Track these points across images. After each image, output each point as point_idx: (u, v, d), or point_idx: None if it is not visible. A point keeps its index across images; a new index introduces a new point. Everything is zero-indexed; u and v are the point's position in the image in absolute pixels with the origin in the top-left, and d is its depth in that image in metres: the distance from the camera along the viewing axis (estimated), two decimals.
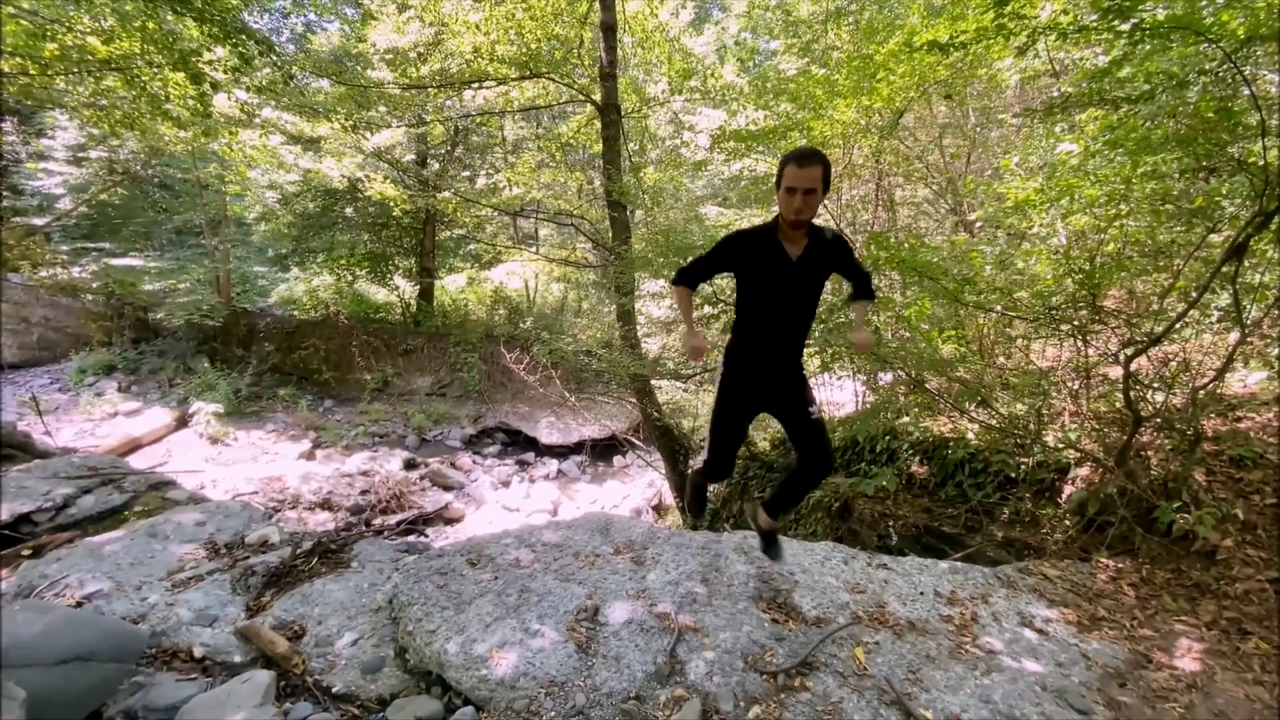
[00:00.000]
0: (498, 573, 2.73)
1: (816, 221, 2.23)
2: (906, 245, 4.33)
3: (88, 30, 6.85)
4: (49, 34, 6.53)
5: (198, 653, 2.37)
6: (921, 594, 2.78)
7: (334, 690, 2.25)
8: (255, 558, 3.06)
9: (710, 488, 2.59)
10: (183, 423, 11.08)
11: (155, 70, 6.99)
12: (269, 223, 13.35)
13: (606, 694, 2.11)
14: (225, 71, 7.05)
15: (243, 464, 10.26)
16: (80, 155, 10.88)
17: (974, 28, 2.79)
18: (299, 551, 3.05)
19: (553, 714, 2.03)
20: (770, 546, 2.60)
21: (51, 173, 10.93)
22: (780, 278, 2.19)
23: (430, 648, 2.28)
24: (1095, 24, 2.38)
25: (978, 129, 8.13)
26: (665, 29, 9.89)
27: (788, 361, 2.33)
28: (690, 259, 2.37)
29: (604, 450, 12.04)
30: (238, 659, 2.35)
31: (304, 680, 2.27)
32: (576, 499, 10.58)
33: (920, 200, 8.81)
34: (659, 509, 10.02)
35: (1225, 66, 2.43)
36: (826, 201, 7.60)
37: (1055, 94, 6.16)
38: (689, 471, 2.57)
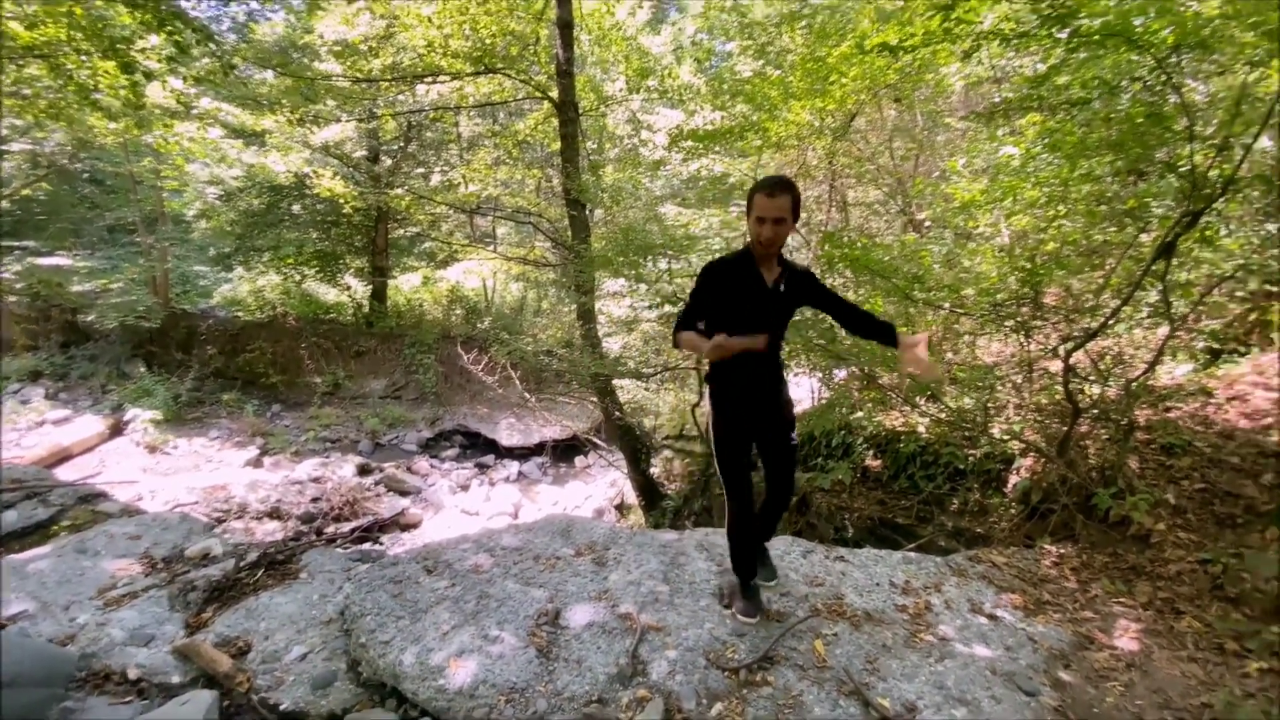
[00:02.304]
0: (455, 579, 2.66)
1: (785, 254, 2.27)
2: (859, 245, 4.43)
3: (9, 14, 6.41)
4: None
5: (132, 674, 2.23)
6: (877, 585, 2.84)
7: (282, 708, 2.15)
8: (196, 572, 2.91)
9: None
10: (117, 431, 10.50)
11: (84, 58, 6.59)
12: (210, 220, 12.76)
13: (568, 698, 2.08)
14: (160, 60, 6.71)
15: (184, 473, 9.78)
16: (1, 148, 10.19)
17: (921, 32, 2.87)
18: (243, 564, 2.91)
19: None
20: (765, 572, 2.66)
21: None
22: (762, 304, 2.22)
23: (384, 659, 2.21)
24: (1035, 31, 2.47)
25: (925, 132, 8.39)
26: (622, 28, 9.87)
27: (777, 386, 2.36)
28: (679, 314, 2.33)
29: (566, 451, 11.95)
30: (176, 680, 2.23)
31: (249, 699, 2.16)
32: (538, 501, 10.46)
33: (872, 202, 9.04)
34: (621, 508, 9.99)
35: (1155, 73, 2.55)
36: None
37: (997, 99, 6.40)
38: (728, 532, 2.49)
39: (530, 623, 2.40)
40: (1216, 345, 4.78)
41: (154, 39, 6.54)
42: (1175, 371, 4.61)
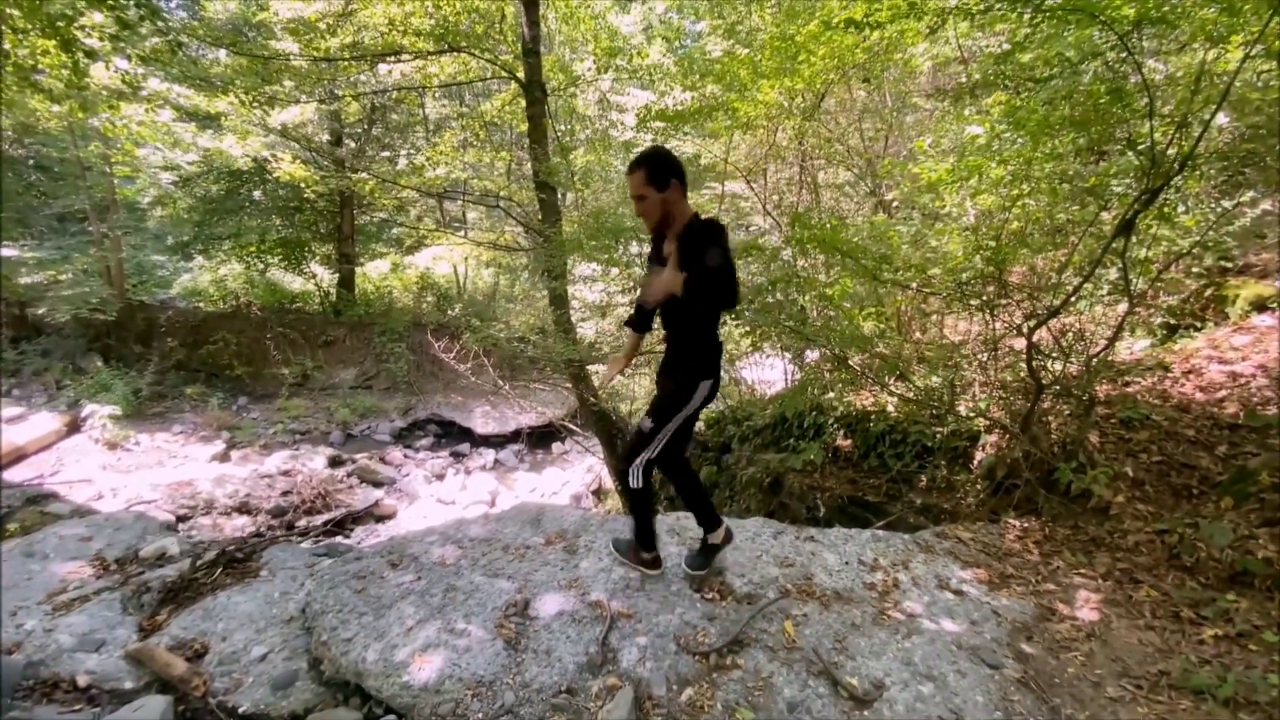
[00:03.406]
0: (421, 572, 2.61)
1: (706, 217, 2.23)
2: (828, 225, 4.42)
3: None
4: None
5: (82, 681, 2.14)
6: (847, 564, 2.86)
7: (241, 710, 2.09)
8: (150, 573, 2.81)
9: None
10: (74, 428, 10.14)
11: (20, 36, 6.22)
12: (166, 207, 12.29)
13: (537, 690, 2.05)
14: (103, 38, 6.37)
15: (146, 470, 9.50)
16: None
17: (888, 6, 2.83)
18: (200, 563, 2.82)
19: (480, 715, 1.96)
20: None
21: None
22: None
23: (347, 657, 2.16)
24: (999, 6, 2.45)
25: (894, 113, 8.40)
26: (590, 5, 9.67)
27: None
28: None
29: (542, 438, 11.88)
30: (129, 685, 2.15)
31: (206, 703, 2.09)
32: (515, 488, 10.41)
33: (842, 183, 9.05)
34: (599, 493, 9.99)
35: (1116, 49, 2.55)
36: (754, 184, 7.70)
37: (964, 79, 6.42)
38: (630, 481, 2.46)
39: (498, 614, 2.36)
40: (1173, 321, 4.90)
41: (98, 16, 6.21)
42: (1134, 346, 4.72)
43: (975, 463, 4.11)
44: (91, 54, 6.24)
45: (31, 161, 11.74)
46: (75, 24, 5.92)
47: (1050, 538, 3.10)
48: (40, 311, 11.12)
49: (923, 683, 2.14)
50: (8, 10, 6.07)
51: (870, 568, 2.84)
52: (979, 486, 3.93)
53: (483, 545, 2.87)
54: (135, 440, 10.21)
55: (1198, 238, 4.00)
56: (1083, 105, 2.75)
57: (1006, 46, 4.48)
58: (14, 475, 8.52)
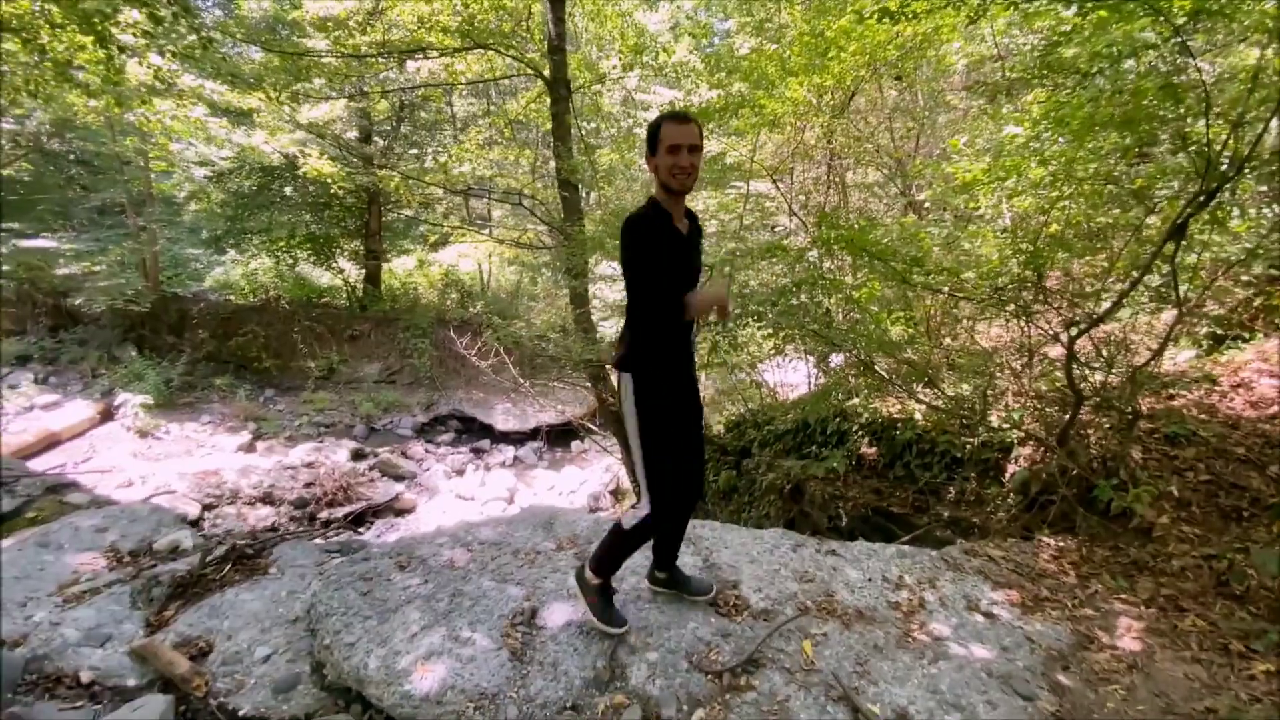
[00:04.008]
0: (428, 576, 2.55)
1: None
2: (857, 225, 4.28)
3: None
4: None
5: (85, 677, 2.13)
6: (870, 580, 2.73)
7: (241, 713, 2.05)
8: (162, 566, 2.81)
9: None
10: (108, 415, 10.39)
11: (58, 30, 6.35)
12: (200, 201, 12.54)
13: (541, 705, 1.98)
14: (137, 35, 6.48)
15: (175, 458, 9.69)
16: None
17: None
18: (211, 558, 2.80)
19: None
20: (685, 584, 2.48)
21: None
22: (684, 258, 2.02)
23: (349, 662, 2.11)
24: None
25: (926, 112, 8.18)
26: (617, 2, 9.60)
27: (693, 359, 2.16)
28: (648, 295, 1.97)
29: (561, 435, 11.85)
30: (132, 682, 2.13)
31: (207, 703, 2.06)
32: (534, 486, 10.39)
33: (871, 184, 8.85)
34: (617, 493, 9.93)
35: (1169, 43, 2.39)
36: (779, 183, 7.55)
37: (1000, 77, 6.20)
38: (632, 534, 2.16)
39: (505, 623, 2.29)
40: (1220, 331, 4.65)
41: (134, 14, 6.31)
42: (1178, 357, 4.48)
43: (1007, 476, 3.93)
44: (123, 49, 6.35)
45: (72, 155, 12.06)
46: (111, 20, 6.02)
47: (1088, 559, 2.94)
48: (78, 302, 11.44)
49: (950, 713, 2.02)
50: (46, 6, 6.20)
51: (895, 585, 2.71)
52: (1011, 501, 3.76)
53: (493, 549, 2.80)
54: (165, 429, 10.43)
55: (1250, 244, 3.77)
56: (1130, 103, 2.58)
57: (1045, 44, 4.29)
58: (47, 460, 8.78)
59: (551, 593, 2.49)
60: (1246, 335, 4.47)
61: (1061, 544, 3.08)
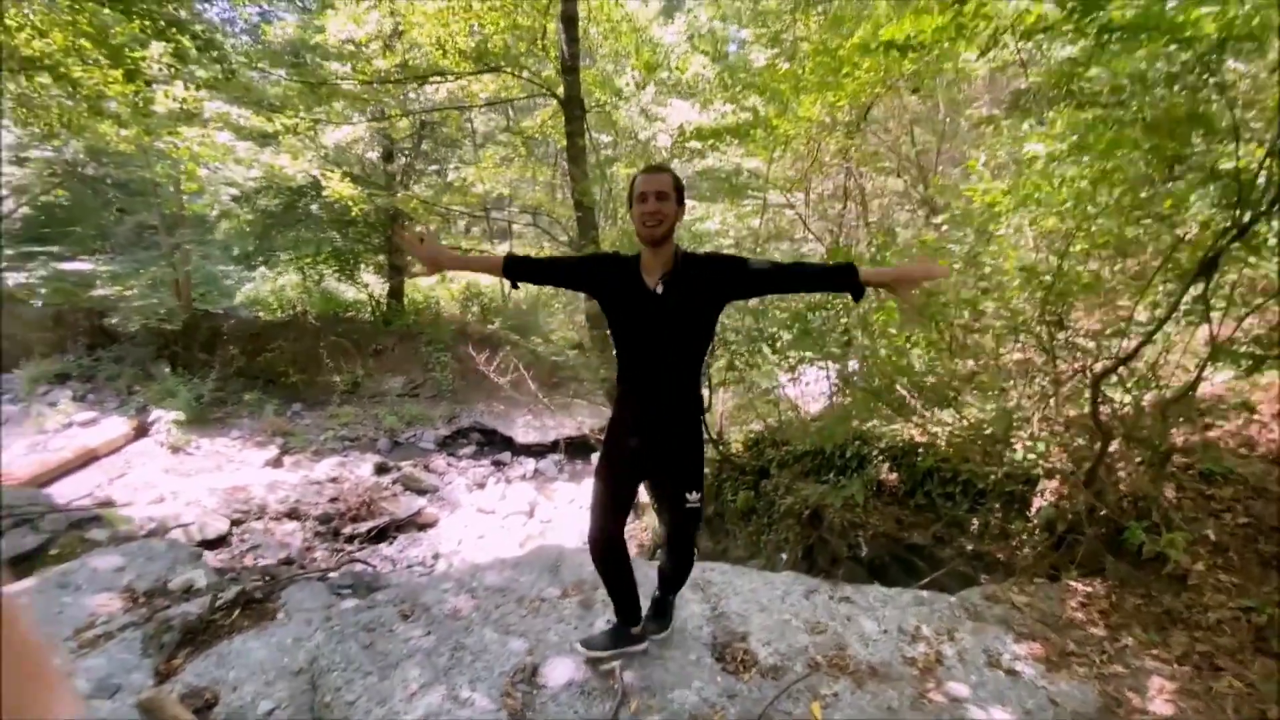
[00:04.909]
0: (431, 626, 2.53)
1: (696, 250, 2.06)
2: (875, 243, 4.18)
3: (14, 25, 6.42)
4: None
5: None
6: (885, 632, 2.64)
7: None
8: (175, 608, 2.84)
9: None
10: (142, 432, 10.68)
11: (90, 64, 6.58)
12: (229, 220, 12.88)
13: None
14: (164, 66, 6.68)
15: (206, 474, 9.91)
16: (21, 155, 10.35)
17: (931, 28, 2.61)
18: (220, 603, 2.83)
19: None
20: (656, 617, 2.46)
21: None
22: (639, 310, 1.96)
23: None
24: (1060, 23, 2.21)
25: (947, 120, 8.00)
26: (632, 19, 9.61)
27: (667, 420, 2.04)
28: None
29: (581, 448, 11.85)
30: None
31: None
32: (554, 499, 10.40)
33: (892, 194, 8.69)
34: (636, 508, 9.88)
35: (1195, 71, 2.27)
36: (794, 200, 7.45)
37: (1023, 85, 6.02)
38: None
39: (505, 680, 2.26)
40: (1259, 351, 4.43)
41: (157, 47, 6.52)
42: (1215, 378, 4.28)
43: (1033, 510, 3.78)
44: (150, 81, 6.55)
45: (109, 180, 12.47)
46: (137, 54, 6.22)
47: (1118, 607, 2.80)
48: (114, 321, 11.81)
49: None
50: (78, 42, 6.43)
51: (911, 638, 2.61)
52: (1037, 538, 3.61)
53: (497, 595, 2.78)
54: (196, 444, 10.67)
55: None
56: (1157, 123, 2.45)
57: (1071, 49, 4.14)
58: (83, 478, 9.05)
59: (554, 646, 2.45)
60: None
61: (1090, 589, 2.95)
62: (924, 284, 1.95)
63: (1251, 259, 3.18)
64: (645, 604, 2.38)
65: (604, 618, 2.62)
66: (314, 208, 13.02)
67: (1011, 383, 4.38)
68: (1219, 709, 2.24)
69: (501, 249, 12.22)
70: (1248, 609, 2.56)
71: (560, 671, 2.30)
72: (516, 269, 2.05)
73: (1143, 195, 3.24)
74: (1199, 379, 2.98)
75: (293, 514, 9.05)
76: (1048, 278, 3.03)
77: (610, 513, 2.15)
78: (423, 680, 2.23)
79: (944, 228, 4.57)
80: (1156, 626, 2.65)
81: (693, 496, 2.09)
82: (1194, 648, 2.50)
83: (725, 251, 2.12)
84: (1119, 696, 2.31)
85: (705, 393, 6.81)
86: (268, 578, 3.23)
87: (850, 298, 2.00)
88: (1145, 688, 2.35)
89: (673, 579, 2.36)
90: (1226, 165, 2.42)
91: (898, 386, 4.87)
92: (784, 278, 2.05)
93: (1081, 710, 2.24)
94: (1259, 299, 4.13)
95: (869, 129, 6.98)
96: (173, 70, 6.52)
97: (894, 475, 4.88)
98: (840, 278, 1.93)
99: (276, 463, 10.56)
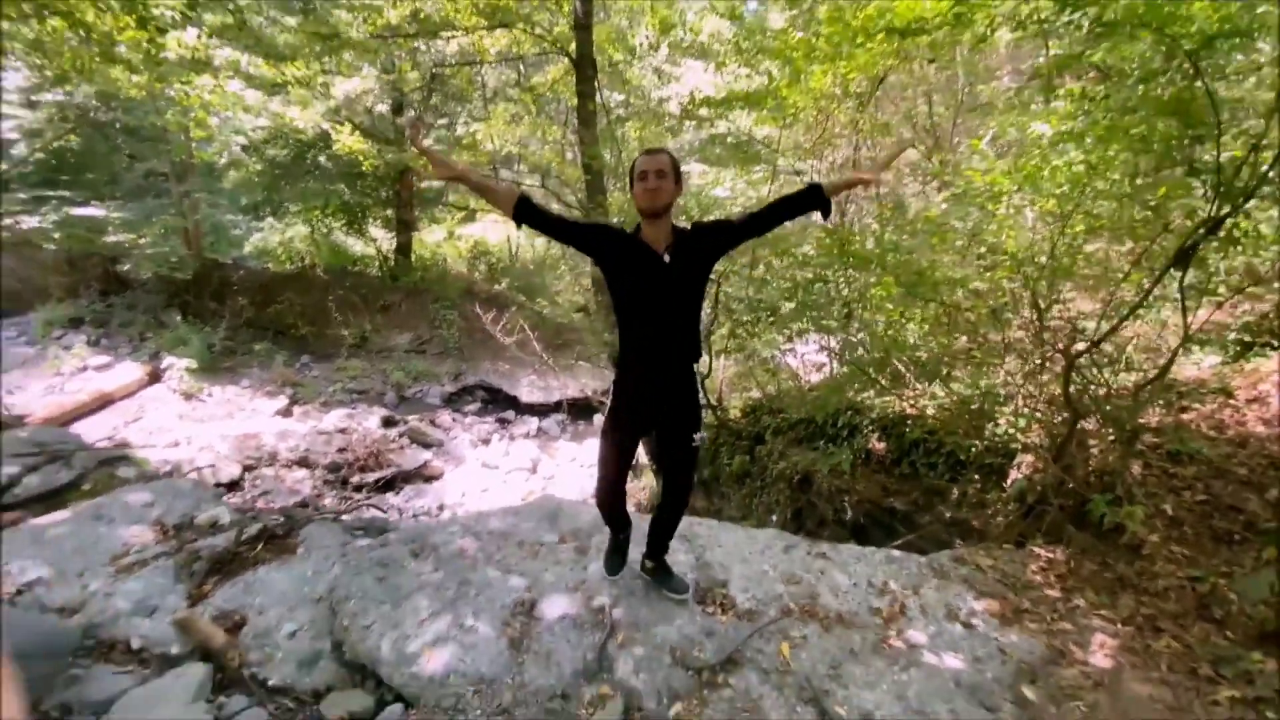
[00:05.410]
0: (439, 564, 2.76)
1: (680, 223, 2.22)
2: (886, 216, 4.22)
3: None
4: None
5: (135, 644, 2.40)
6: (855, 585, 2.86)
7: (270, 683, 2.30)
8: (202, 541, 3.08)
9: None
10: (155, 378, 10.94)
11: (102, 10, 6.58)
12: (238, 170, 12.89)
13: (533, 691, 2.17)
14: (177, 10, 6.68)
15: (217, 420, 10.19)
16: (33, 99, 10.35)
17: (933, 15, 2.66)
18: (244, 536, 3.06)
19: (478, 712, 2.09)
20: (664, 580, 2.68)
21: (4, 115, 10.40)
22: (652, 274, 2.14)
23: (365, 644, 2.33)
24: (1052, 18, 2.28)
25: (966, 90, 7.92)
26: None
27: (676, 372, 2.27)
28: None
29: (584, 409, 12.10)
30: (175, 650, 2.39)
31: (240, 674, 2.31)
32: (556, 457, 10.68)
33: (905, 164, 8.65)
34: (635, 469, 10.16)
35: (1183, 68, 2.34)
36: (804, 169, 7.45)
37: (1042, 58, 5.97)
38: (595, 498, 2.60)
39: (506, 612, 2.49)
40: (1248, 338, 4.54)
41: None
42: (1203, 362, 4.41)
43: (1009, 482, 3.98)
44: (162, 29, 6.55)
45: (119, 126, 12.44)
46: (150, 1, 6.21)
47: (1075, 572, 3.00)
48: (126, 268, 11.97)
49: (913, 719, 2.15)
50: None
51: (879, 591, 2.83)
52: (1011, 508, 3.82)
53: (500, 539, 3.00)
54: (208, 392, 10.94)
55: (1269, 253, 3.66)
56: (1145, 121, 2.54)
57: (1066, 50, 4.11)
58: (102, 419, 9.35)
59: (551, 585, 2.68)
60: (1275, 343, 4.37)
61: (1051, 556, 3.15)
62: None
63: (1232, 249, 3.29)
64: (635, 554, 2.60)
65: (595, 563, 2.84)
66: (323, 159, 13.00)
67: (1000, 360, 4.52)
68: (1154, 665, 2.46)
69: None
70: (1195, 578, 2.76)
71: (555, 607, 2.53)
72: (527, 212, 2.15)
73: (1138, 182, 3.33)
74: (1170, 363, 3.12)
75: (302, 462, 9.34)
76: (1042, 259, 3.14)
77: (619, 468, 2.44)
78: (432, 610, 2.47)
79: (944, 206, 4.64)
80: (1108, 590, 2.86)
81: (697, 437, 2.36)
82: (1139, 610, 2.71)
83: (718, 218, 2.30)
84: (1063, 649, 2.53)
85: (706, 358, 6.98)
86: (286, 517, 3.46)
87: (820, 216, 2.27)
88: (1089, 643, 2.56)
89: (670, 523, 2.57)
90: (1209, 158, 2.51)
91: (893, 360, 5.02)
92: (762, 218, 2.25)
93: (1027, 659, 2.46)
94: (1252, 286, 4.24)
95: (884, 97, 6.94)
96: (183, 15, 6.51)
97: (882, 445, 5.07)
98: (809, 198, 2.18)
99: (286, 412, 10.84)
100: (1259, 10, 2.30)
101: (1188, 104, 2.40)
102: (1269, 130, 2.44)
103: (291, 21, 10.35)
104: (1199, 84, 2.26)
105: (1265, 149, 2.48)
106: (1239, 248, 2.75)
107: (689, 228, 2.22)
